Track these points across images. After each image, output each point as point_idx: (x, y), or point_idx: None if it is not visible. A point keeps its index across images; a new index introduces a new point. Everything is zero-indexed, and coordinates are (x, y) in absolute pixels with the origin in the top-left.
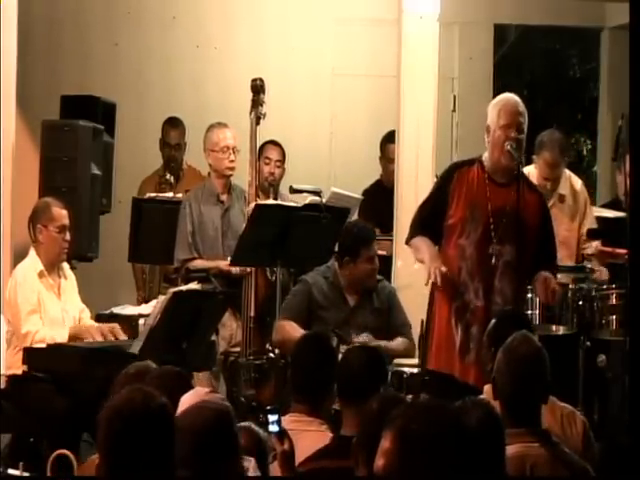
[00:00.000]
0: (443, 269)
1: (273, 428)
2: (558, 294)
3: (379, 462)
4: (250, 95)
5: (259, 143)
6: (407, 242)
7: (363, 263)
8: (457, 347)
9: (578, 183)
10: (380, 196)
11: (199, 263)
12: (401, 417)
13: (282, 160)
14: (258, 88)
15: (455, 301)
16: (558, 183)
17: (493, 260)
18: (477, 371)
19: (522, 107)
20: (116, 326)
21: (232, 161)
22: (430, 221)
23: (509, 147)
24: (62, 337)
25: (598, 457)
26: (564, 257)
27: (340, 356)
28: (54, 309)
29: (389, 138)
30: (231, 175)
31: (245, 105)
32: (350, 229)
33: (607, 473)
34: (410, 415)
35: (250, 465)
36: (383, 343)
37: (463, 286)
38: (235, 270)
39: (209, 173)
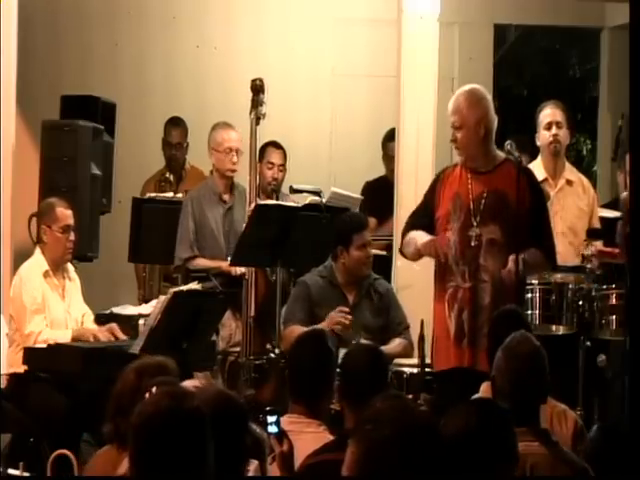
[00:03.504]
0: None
1: (272, 429)
2: (517, 276)
3: (345, 472)
4: (250, 95)
5: (259, 143)
6: (400, 249)
7: (355, 250)
8: (452, 335)
9: (585, 180)
10: (383, 191)
11: (201, 262)
12: (364, 424)
13: (284, 163)
14: (258, 88)
15: (447, 291)
16: (563, 150)
17: (473, 243)
18: (470, 354)
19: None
20: (113, 325)
21: (234, 163)
22: (420, 221)
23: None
24: (65, 339)
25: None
26: (572, 244)
27: (341, 356)
28: (57, 310)
29: (389, 137)
30: (232, 176)
31: (245, 105)
32: (342, 218)
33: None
34: (373, 422)
35: (252, 467)
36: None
37: (450, 273)
38: (235, 271)
39: (211, 172)
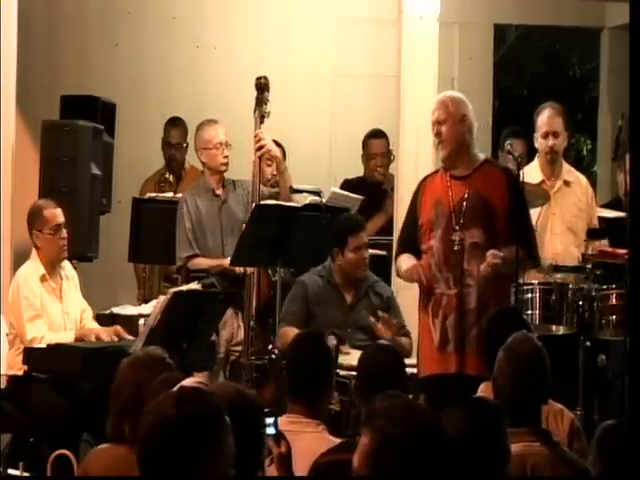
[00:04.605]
0: (420, 268)
1: (269, 431)
2: (494, 269)
3: (356, 463)
4: (251, 94)
5: None
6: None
7: (350, 252)
8: (436, 342)
9: (583, 179)
10: (360, 191)
11: (203, 262)
12: (377, 417)
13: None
14: (262, 86)
15: (430, 298)
16: (560, 155)
17: (456, 247)
18: (457, 359)
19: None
20: (118, 328)
21: (226, 156)
22: (409, 237)
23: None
24: (68, 341)
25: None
26: (570, 245)
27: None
28: (55, 313)
29: (370, 135)
30: (225, 170)
31: (245, 105)
32: (339, 219)
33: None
34: (388, 418)
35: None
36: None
37: (435, 281)
38: (239, 269)
39: (202, 171)
